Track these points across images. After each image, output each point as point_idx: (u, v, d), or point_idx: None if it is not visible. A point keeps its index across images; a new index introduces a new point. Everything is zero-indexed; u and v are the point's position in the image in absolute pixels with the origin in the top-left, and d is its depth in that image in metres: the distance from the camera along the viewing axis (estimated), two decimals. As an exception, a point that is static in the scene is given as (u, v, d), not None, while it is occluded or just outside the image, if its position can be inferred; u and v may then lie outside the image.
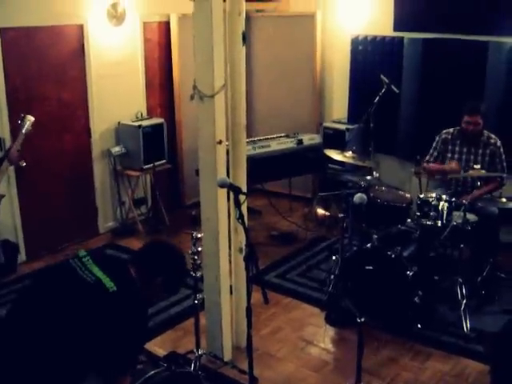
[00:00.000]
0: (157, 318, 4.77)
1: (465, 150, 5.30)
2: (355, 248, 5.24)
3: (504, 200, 5.01)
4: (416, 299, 4.51)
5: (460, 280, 4.67)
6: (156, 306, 4.84)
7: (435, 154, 5.43)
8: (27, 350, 2.51)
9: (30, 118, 4.89)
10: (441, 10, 6.15)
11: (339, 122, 7.07)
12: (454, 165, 5.18)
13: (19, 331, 2.59)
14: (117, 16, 6.25)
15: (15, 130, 5.00)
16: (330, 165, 6.56)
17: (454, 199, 4.76)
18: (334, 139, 6.74)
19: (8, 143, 5.35)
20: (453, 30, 6.11)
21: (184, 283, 3.18)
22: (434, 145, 5.46)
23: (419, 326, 4.55)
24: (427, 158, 5.45)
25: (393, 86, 6.05)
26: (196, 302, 3.93)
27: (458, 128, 5.35)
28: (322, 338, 4.62)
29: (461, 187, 5.23)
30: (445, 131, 5.43)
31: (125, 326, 2.59)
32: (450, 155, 5.35)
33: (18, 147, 4.86)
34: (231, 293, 4.22)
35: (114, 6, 6.20)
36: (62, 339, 2.51)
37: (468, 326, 4.51)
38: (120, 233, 6.57)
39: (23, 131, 4.86)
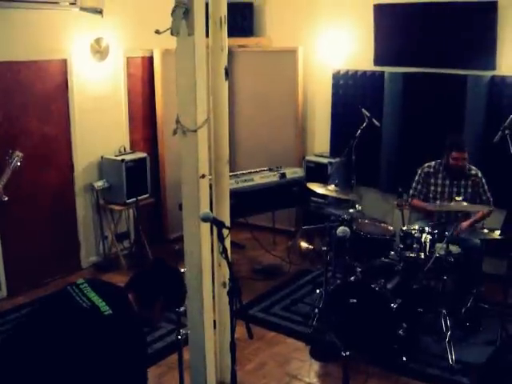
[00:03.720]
0: (140, 354, 4.70)
1: (447, 182, 5.36)
2: (339, 281, 5.23)
3: (486, 231, 5.05)
4: (400, 332, 4.49)
5: (444, 312, 4.68)
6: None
7: (419, 187, 5.49)
8: (24, 380, 2.47)
9: (19, 154, 4.86)
10: (420, 45, 6.27)
11: (321, 156, 7.12)
12: (438, 207, 5.21)
13: (15, 360, 2.55)
14: (100, 51, 6.30)
15: (0, 164, 4.96)
16: (312, 198, 6.59)
17: (436, 231, 4.80)
18: (317, 173, 6.78)
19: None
20: (432, 65, 6.23)
21: (184, 297, 3.17)
22: (416, 178, 5.52)
23: (404, 358, 4.53)
24: (411, 192, 5.51)
25: (374, 120, 6.12)
26: (179, 337, 3.88)
27: (439, 161, 5.43)
28: (307, 373, 4.58)
29: (444, 219, 5.27)
30: (426, 165, 5.50)
31: (122, 350, 2.57)
32: (433, 188, 5.41)
33: (4, 183, 4.81)
34: (215, 328, 4.18)
35: (98, 41, 6.25)
36: (59, 369, 2.47)
37: (453, 357, 4.50)
38: (102, 267, 6.51)
39: (11, 167, 4.82)
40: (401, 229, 4.99)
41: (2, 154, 4.96)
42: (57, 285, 5.99)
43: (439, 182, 5.40)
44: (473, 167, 5.35)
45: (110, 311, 2.59)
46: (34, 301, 5.58)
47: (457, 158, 5.24)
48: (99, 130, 6.45)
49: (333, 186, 5.46)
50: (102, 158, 6.52)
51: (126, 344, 2.59)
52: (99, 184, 6.44)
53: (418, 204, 5.45)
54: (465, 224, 5.00)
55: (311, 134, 7.43)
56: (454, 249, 4.83)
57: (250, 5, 7.39)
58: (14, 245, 5.79)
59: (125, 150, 6.70)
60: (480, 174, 5.33)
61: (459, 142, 5.31)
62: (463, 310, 5.02)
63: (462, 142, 5.34)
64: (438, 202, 5.37)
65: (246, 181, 6.34)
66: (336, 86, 6.99)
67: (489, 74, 5.93)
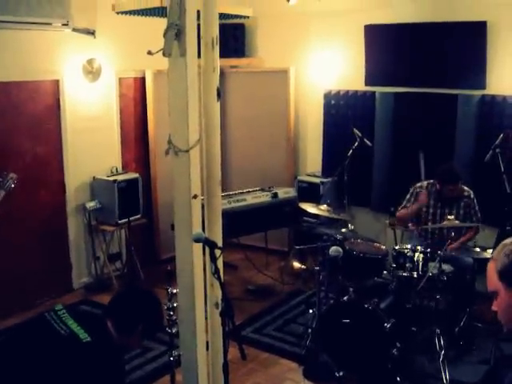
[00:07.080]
0: (132, 376, 4.66)
1: (439, 204, 5.35)
2: (332, 301, 5.21)
3: (478, 250, 5.05)
4: (394, 351, 4.47)
5: (438, 331, 4.67)
6: (131, 363, 4.76)
7: (408, 205, 5.48)
8: None
9: (13, 176, 4.83)
10: (411, 65, 6.32)
11: (313, 176, 7.13)
12: (422, 196, 5.22)
13: None
14: (93, 72, 6.31)
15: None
16: (305, 218, 6.59)
17: (429, 250, 4.80)
18: (309, 192, 6.79)
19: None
20: (423, 84, 6.27)
21: (162, 327, 3.17)
22: (407, 196, 5.51)
23: (398, 378, 4.50)
24: (402, 206, 5.50)
25: (365, 140, 6.15)
26: (172, 358, 3.86)
27: (431, 182, 5.41)
28: (301, 394, 4.55)
29: (437, 238, 5.27)
30: (419, 185, 5.48)
31: (101, 377, 2.54)
32: (424, 209, 5.40)
33: None
34: (207, 349, 4.15)
35: (90, 61, 6.27)
36: None
37: (447, 377, 4.48)
38: (94, 289, 6.47)
39: (4, 189, 4.79)
40: (393, 248, 4.99)
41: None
42: (49, 306, 5.94)
43: (431, 202, 5.39)
44: (465, 188, 5.33)
45: (89, 338, 2.57)
46: (13, 326, 5.46)
47: (452, 189, 5.23)
48: (91, 150, 6.44)
49: (325, 205, 5.47)
50: (93, 178, 6.51)
51: (105, 371, 2.57)
52: (91, 204, 6.42)
53: (402, 212, 5.45)
54: (452, 246, 5.00)
55: (303, 154, 7.44)
56: (447, 268, 4.83)
57: (242, 26, 7.43)
58: (4, 266, 5.74)
59: (117, 170, 6.69)
60: (472, 195, 5.32)
61: (454, 175, 5.22)
62: (457, 329, 5.01)
63: (456, 173, 5.24)
64: (429, 223, 5.37)
65: (238, 201, 6.33)
66: (327, 106, 7.02)
67: (479, 93, 5.97)
